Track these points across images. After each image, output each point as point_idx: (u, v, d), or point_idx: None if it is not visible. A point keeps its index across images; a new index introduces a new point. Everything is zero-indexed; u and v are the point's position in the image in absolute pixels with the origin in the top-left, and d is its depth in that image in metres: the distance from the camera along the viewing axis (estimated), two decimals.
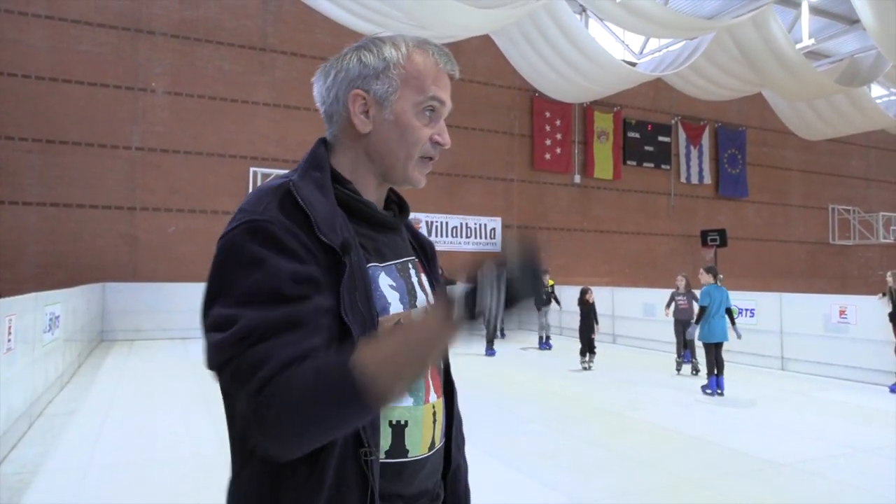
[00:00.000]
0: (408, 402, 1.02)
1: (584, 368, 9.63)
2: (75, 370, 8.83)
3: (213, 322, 0.90)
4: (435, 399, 1.08)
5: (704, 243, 17.82)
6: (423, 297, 1.10)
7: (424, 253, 1.20)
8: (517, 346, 12.67)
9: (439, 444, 1.09)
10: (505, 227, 17.11)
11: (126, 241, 13.15)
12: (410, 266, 1.11)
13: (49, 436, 5.53)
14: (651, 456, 5.12)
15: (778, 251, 22.03)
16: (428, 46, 1.08)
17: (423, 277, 1.14)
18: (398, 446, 1.00)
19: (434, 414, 1.07)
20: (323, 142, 1.14)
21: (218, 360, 0.88)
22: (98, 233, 12.87)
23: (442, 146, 1.09)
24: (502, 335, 13.84)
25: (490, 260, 0.89)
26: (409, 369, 0.88)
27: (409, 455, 1.01)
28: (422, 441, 1.03)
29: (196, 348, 11.23)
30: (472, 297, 0.86)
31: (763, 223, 21.86)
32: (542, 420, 6.33)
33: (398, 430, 1.00)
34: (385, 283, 1.04)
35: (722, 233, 17.37)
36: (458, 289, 0.87)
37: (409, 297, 1.07)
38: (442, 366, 1.14)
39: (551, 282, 12.48)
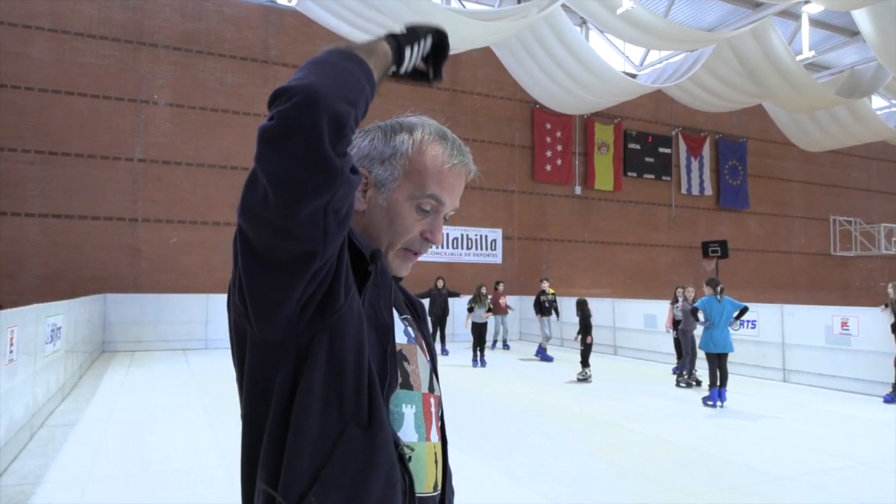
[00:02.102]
0: (414, 436, 1.02)
1: (581, 380, 9.59)
2: (76, 381, 8.83)
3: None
4: (436, 440, 1.09)
5: (706, 255, 17.83)
6: (419, 348, 1.12)
7: (416, 312, 1.21)
8: (517, 357, 12.66)
9: (440, 487, 1.09)
10: (506, 238, 17.14)
11: (127, 253, 13.18)
12: (409, 321, 1.15)
13: (50, 447, 5.52)
14: (651, 469, 5.10)
15: (779, 262, 22.03)
16: (445, 142, 1.07)
17: (418, 333, 1.16)
18: (410, 485, 1.00)
19: (436, 455, 1.07)
20: None
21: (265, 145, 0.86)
22: (100, 244, 12.91)
23: (431, 244, 1.09)
24: (505, 346, 13.86)
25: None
26: (350, 79, 0.87)
27: (416, 491, 1.00)
28: (426, 478, 1.03)
29: (196, 359, 11.23)
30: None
31: (764, 234, 21.87)
32: (543, 432, 6.31)
33: (403, 464, 1.00)
34: (396, 315, 1.08)
35: (723, 244, 17.38)
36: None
37: (413, 332, 1.12)
38: (439, 413, 1.13)
39: (552, 291, 12.46)
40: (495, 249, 16.99)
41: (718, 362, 7.80)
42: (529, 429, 6.40)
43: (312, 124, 0.77)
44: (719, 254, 17.28)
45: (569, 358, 12.06)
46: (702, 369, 8.84)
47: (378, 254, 1.02)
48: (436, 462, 1.06)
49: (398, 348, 1.04)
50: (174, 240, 13.53)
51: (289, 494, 0.87)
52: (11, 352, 5.11)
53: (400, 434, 0.99)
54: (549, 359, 12.05)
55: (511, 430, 6.35)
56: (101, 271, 12.81)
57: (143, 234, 13.33)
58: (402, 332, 1.07)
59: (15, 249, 12.14)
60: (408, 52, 1.01)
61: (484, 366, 10.89)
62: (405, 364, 1.04)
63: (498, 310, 13.12)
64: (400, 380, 1.01)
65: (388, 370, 0.96)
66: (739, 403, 7.90)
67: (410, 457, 0.99)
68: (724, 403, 7.74)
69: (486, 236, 16.86)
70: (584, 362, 9.68)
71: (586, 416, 7.18)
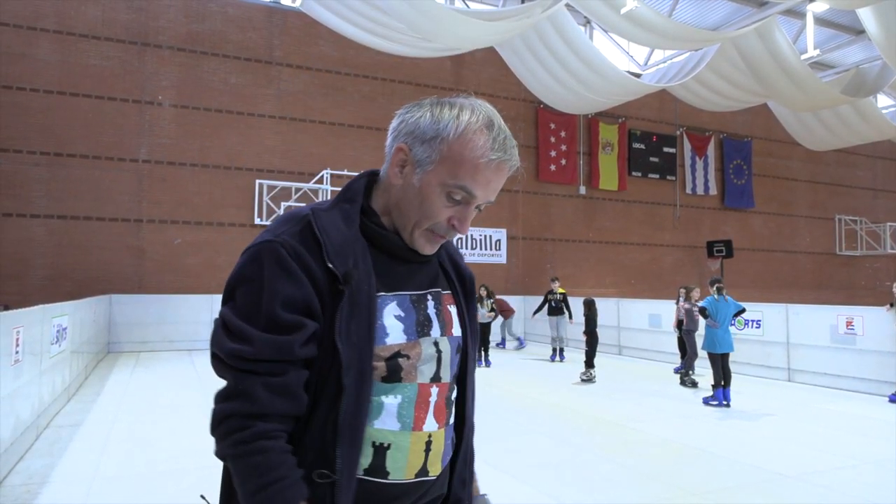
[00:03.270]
0: (394, 426, 1.03)
1: (585, 381, 9.58)
2: (82, 382, 8.87)
3: (224, 321, 1.02)
4: (433, 429, 1.08)
5: (710, 254, 17.79)
6: (439, 328, 1.11)
7: (463, 286, 1.21)
8: (528, 358, 12.66)
9: (434, 473, 1.09)
10: (510, 238, 17.13)
11: (132, 254, 13.22)
12: (430, 297, 1.12)
13: (56, 447, 5.55)
14: (655, 468, 5.10)
15: (784, 262, 21.96)
16: (489, 133, 1.04)
17: (452, 309, 1.16)
18: (378, 467, 1.03)
19: (429, 443, 1.07)
20: (371, 174, 1.17)
21: (217, 364, 1.01)
22: (104, 245, 12.95)
23: (457, 232, 1.09)
24: (521, 344, 13.79)
25: None
26: None
27: (390, 478, 1.04)
28: (407, 466, 1.05)
29: (201, 360, 11.25)
30: None
31: (769, 234, 21.80)
32: (548, 431, 6.31)
33: (380, 451, 1.03)
34: (391, 313, 1.06)
35: (728, 244, 17.34)
36: None
37: (418, 327, 1.09)
38: (452, 397, 1.14)
39: (562, 290, 12.40)
40: (500, 249, 17.00)
41: (721, 361, 7.79)
42: (533, 428, 6.40)
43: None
44: (724, 253, 17.24)
45: (576, 358, 12.06)
46: (700, 368, 8.82)
47: (350, 275, 1.01)
48: (428, 449, 1.07)
49: (393, 350, 1.04)
50: (178, 241, 13.57)
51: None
52: (17, 352, 5.13)
53: (377, 423, 1.02)
54: (561, 359, 12.03)
55: (515, 429, 6.35)
56: (106, 272, 12.86)
57: (148, 235, 13.37)
58: (400, 332, 1.05)
59: (20, 250, 12.19)
60: None
61: (489, 366, 10.89)
62: (399, 360, 1.05)
63: (506, 314, 13.50)
64: (385, 374, 1.04)
65: (343, 386, 1.00)
66: (744, 403, 7.88)
67: (389, 445, 1.03)
68: (730, 403, 7.71)
69: (490, 236, 16.87)
70: (589, 363, 9.68)
71: (590, 415, 7.17)
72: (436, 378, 1.09)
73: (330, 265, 1.00)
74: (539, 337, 15.91)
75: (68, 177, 12.73)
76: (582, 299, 10.41)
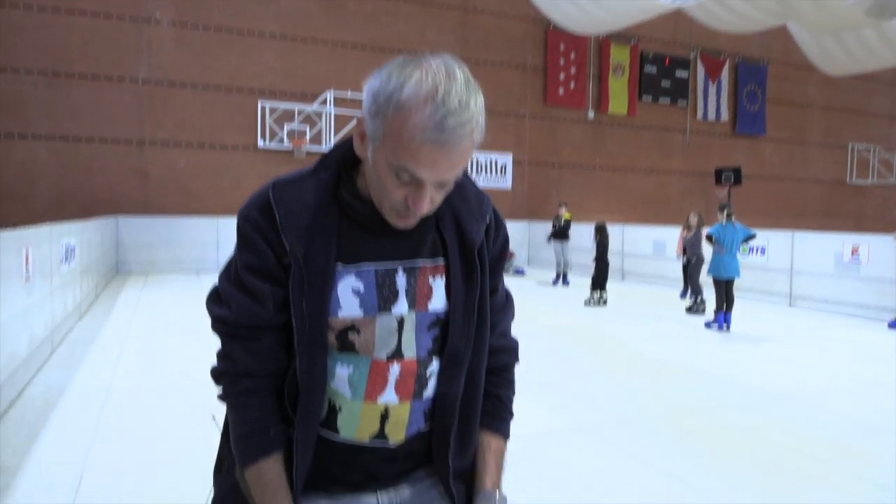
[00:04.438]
0: (345, 392, 1.05)
1: (596, 303, 9.72)
2: (93, 301, 9.03)
3: (215, 286, 1.12)
4: (392, 401, 1.07)
5: (718, 182, 17.60)
6: (407, 303, 1.05)
7: (464, 254, 1.10)
8: (534, 282, 12.79)
9: (396, 440, 1.09)
10: (516, 163, 16.94)
11: (136, 176, 13.18)
12: (402, 271, 1.05)
13: (71, 361, 5.71)
14: (655, 387, 5.23)
15: (793, 190, 21.74)
16: (431, 104, 0.89)
17: (436, 281, 1.08)
18: (330, 423, 1.08)
19: (385, 415, 1.07)
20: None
21: (211, 324, 1.11)
22: (109, 167, 12.89)
23: (417, 212, 0.99)
24: (564, 281, 13.05)
25: None
26: (254, 500, 1.05)
27: (340, 436, 1.07)
28: (357, 430, 1.07)
29: (209, 280, 11.40)
30: None
31: (780, 162, 21.48)
32: (553, 351, 6.44)
33: (332, 410, 1.07)
34: (348, 286, 1.03)
35: (737, 171, 17.11)
36: None
37: (380, 301, 1.04)
38: (427, 372, 1.09)
39: (568, 215, 12.42)
40: (505, 175, 16.85)
41: (725, 287, 7.84)
42: (537, 349, 6.53)
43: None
44: (732, 181, 17.05)
45: (580, 283, 12.19)
46: (706, 295, 8.91)
47: (296, 249, 1.01)
48: (385, 419, 1.07)
49: (346, 324, 1.03)
50: (182, 164, 13.48)
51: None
52: (28, 270, 5.20)
53: (332, 385, 1.06)
54: (567, 283, 12.20)
55: (520, 349, 6.46)
56: (112, 194, 12.86)
57: (151, 157, 13.28)
58: (355, 306, 1.02)
59: (25, 172, 12.15)
60: None
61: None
62: (350, 334, 1.04)
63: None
64: (338, 346, 1.05)
65: (297, 353, 1.04)
66: (745, 327, 7.99)
67: (340, 408, 1.07)
68: (730, 327, 7.83)
69: (495, 161, 16.68)
70: (598, 286, 9.78)
71: (595, 336, 7.30)
72: (396, 354, 1.06)
73: (283, 237, 1.02)
74: (543, 262, 16.02)
75: (68, 98, 12.51)
76: (593, 224, 10.43)
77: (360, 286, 1.03)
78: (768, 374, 5.76)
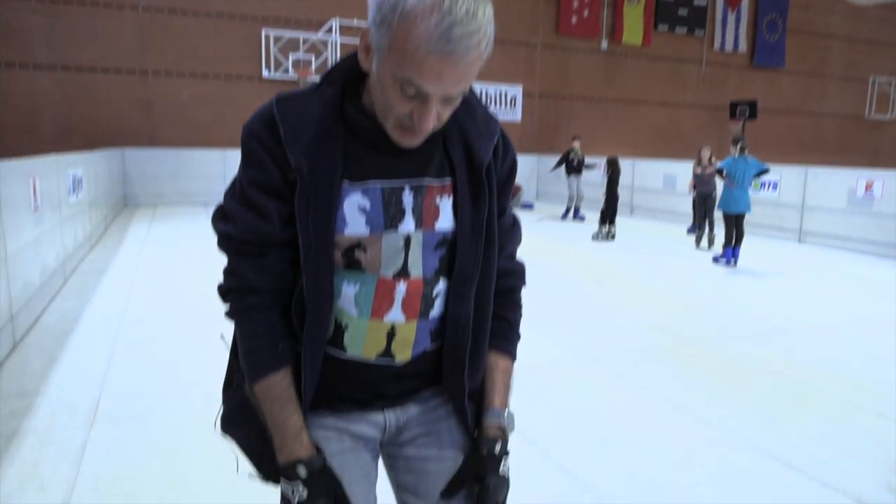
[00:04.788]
0: (351, 310, 1.06)
1: (604, 237, 9.72)
2: (102, 232, 9.10)
3: (221, 202, 1.09)
4: (399, 320, 1.07)
5: (733, 115, 17.22)
6: (413, 222, 1.04)
7: (472, 172, 1.08)
8: (543, 216, 12.75)
9: (402, 358, 1.10)
10: (526, 95, 16.57)
11: (140, 107, 13.00)
12: (409, 189, 1.04)
13: (84, 290, 5.80)
14: (661, 319, 5.27)
15: (809, 125, 21.26)
16: (436, 17, 0.85)
17: (443, 201, 1.06)
18: (337, 341, 1.08)
19: (391, 333, 1.07)
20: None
21: (217, 241, 1.09)
22: (112, 98, 12.71)
23: (423, 128, 0.95)
24: (577, 215, 12.98)
25: None
26: (265, 416, 1.07)
27: (347, 354, 1.08)
28: (364, 347, 1.08)
29: None
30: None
31: (797, 95, 20.92)
32: (560, 284, 6.48)
33: (338, 328, 1.08)
34: (355, 203, 1.01)
35: (752, 104, 16.70)
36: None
37: (386, 220, 1.02)
38: (434, 293, 1.08)
39: (580, 149, 12.29)
40: (515, 107, 16.51)
41: (735, 222, 7.79)
42: (543, 281, 6.56)
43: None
44: (747, 114, 16.67)
45: (592, 218, 12.15)
46: (716, 229, 8.88)
47: (301, 164, 0.99)
48: (391, 337, 1.07)
49: (351, 241, 1.02)
50: (187, 94, 13.26)
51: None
52: (36, 200, 5.21)
53: (339, 303, 1.06)
54: (581, 218, 12.19)
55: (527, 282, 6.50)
56: (116, 125, 12.73)
57: (155, 88, 13.06)
58: (361, 224, 1.01)
59: (28, 103, 12.01)
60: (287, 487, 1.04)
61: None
62: (357, 252, 1.03)
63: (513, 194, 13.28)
64: (344, 264, 1.04)
65: (303, 270, 1.04)
66: (753, 262, 7.99)
67: (347, 325, 1.07)
68: (737, 262, 7.82)
69: (505, 93, 16.32)
70: (607, 220, 9.76)
71: (601, 270, 7.33)
72: (403, 273, 1.05)
73: (287, 152, 0.99)
74: (552, 196, 15.93)
75: (69, 26, 12.20)
76: (605, 158, 10.30)
77: (367, 204, 1.02)
78: (773, 307, 5.79)
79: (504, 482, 1.13)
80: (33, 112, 12.07)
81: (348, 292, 1.05)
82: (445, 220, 1.07)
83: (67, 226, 6.49)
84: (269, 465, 1.10)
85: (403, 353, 1.10)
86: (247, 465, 1.13)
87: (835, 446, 3.03)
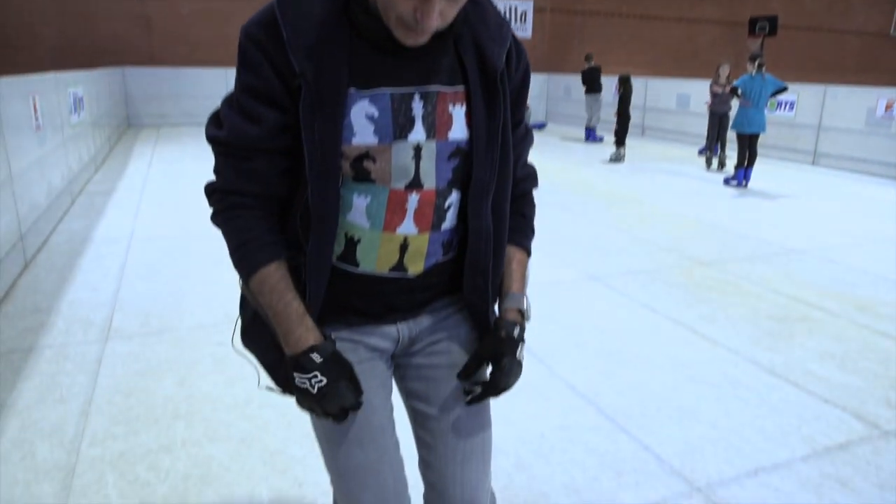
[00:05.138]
0: (363, 223, 1.03)
1: (615, 160, 9.59)
2: (107, 153, 9.03)
3: (221, 103, 1.05)
4: (411, 232, 1.05)
5: (752, 32, 16.49)
6: (424, 131, 1.00)
7: (486, 78, 1.03)
8: (559, 138, 12.54)
9: (415, 271, 1.09)
10: (537, 10, 15.92)
11: (140, 24, 12.60)
12: (419, 97, 0.99)
13: (91, 211, 5.81)
14: (668, 240, 5.25)
15: (831, 42, 20.43)
16: None
17: (456, 109, 1.02)
18: (349, 256, 1.06)
19: (404, 245, 1.06)
20: None
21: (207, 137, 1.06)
22: (110, 14, 12.30)
23: (426, 26, 0.90)
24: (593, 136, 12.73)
25: None
26: (267, 313, 1.05)
27: (360, 268, 1.06)
28: (376, 261, 1.06)
29: None
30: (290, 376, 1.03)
31: (820, 10, 19.99)
32: (567, 205, 6.44)
33: (350, 243, 1.05)
34: (362, 111, 0.96)
35: (773, 20, 15.97)
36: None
37: (395, 129, 0.98)
38: (446, 204, 1.06)
39: (595, 62, 11.94)
40: (525, 22, 15.89)
41: (749, 142, 7.63)
42: (551, 202, 6.52)
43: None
44: (767, 31, 15.99)
45: (609, 140, 11.95)
46: (729, 150, 8.70)
47: (306, 69, 0.92)
48: (404, 249, 1.06)
49: (360, 151, 0.98)
50: (187, 9, 12.81)
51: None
52: (37, 119, 5.13)
53: (349, 216, 1.03)
54: (598, 139, 11.99)
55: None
56: (116, 43, 12.39)
57: (154, 3, 12.61)
58: (369, 133, 0.97)
59: (25, 20, 11.64)
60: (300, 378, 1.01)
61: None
62: (366, 163, 0.99)
63: None
64: (353, 175, 1.00)
65: (308, 181, 1.00)
66: (764, 184, 7.88)
67: (359, 239, 1.04)
68: (749, 184, 7.72)
69: (515, 7, 15.66)
70: (619, 141, 9.60)
71: (609, 191, 7.25)
72: (415, 184, 1.02)
73: (291, 56, 0.93)
74: (563, 117, 15.62)
75: None
76: (617, 76, 10.01)
77: (375, 111, 0.97)
78: (783, 229, 5.74)
79: (518, 366, 1.14)
80: (30, 29, 11.72)
81: (359, 204, 1.02)
82: (459, 130, 1.03)
83: (71, 146, 6.43)
84: (285, 377, 1.09)
85: (416, 266, 1.09)
86: (266, 379, 1.13)
87: (837, 364, 3.07)
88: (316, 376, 0.99)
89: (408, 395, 1.21)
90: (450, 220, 1.08)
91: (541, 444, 2.34)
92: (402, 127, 0.99)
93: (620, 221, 5.86)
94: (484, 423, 1.19)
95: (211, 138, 1.04)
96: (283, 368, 1.06)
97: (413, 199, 1.03)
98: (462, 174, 1.06)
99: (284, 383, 1.09)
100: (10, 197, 4.13)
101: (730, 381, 2.86)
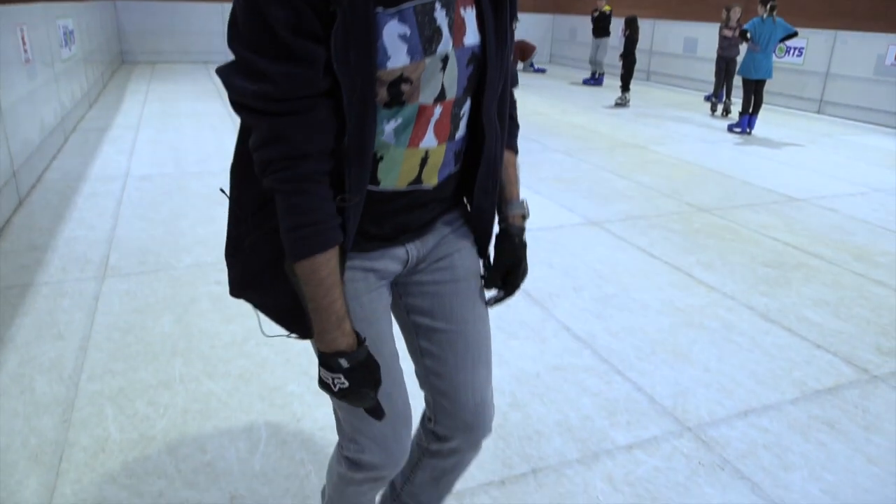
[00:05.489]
0: (390, 140, 1.01)
1: (619, 104, 9.43)
2: (101, 90, 8.84)
3: (239, 62, 0.91)
4: (432, 145, 1.05)
5: None
6: (450, 41, 0.97)
7: None
8: (564, 82, 12.28)
9: (430, 183, 1.10)
10: None
11: None
12: (439, 5, 0.96)
13: (86, 148, 5.73)
14: (669, 186, 5.21)
15: None
16: None
17: (467, 13, 1.00)
18: (371, 174, 1.03)
19: (424, 159, 1.05)
20: None
21: (243, 111, 0.93)
22: None
23: None
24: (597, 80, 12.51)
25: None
26: (305, 299, 0.99)
27: (380, 186, 1.05)
28: (399, 178, 1.05)
29: None
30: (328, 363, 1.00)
31: None
32: (568, 150, 6.36)
33: (374, 161, 1.02)
34: (393, 32, 0.92)
35: None
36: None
37: (424, 44, 0.94)
38: (461, 112, 1.06)
39: (608, 7, 11.57)
40: None
41: (755, 88, 7.48)
42: (553, 146, 6.44)
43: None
44: None
45: (612, 84, 11.73)
46: (735, 97, 8.56)
47: None
48: (423, 163, 1.06)
49: (395, 74, 0.93)
50: None
51: None
52: (26, 52, 4.99)
53: (377, 139, 1.00)
54: (600, 82, 11.80)
55: (533, 147, 6.39)
56: None
57: None
58: (402, 53, 0.93)
59: None
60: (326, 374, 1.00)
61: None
62: (402, 85, 0.95)
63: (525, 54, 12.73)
64: (388, 100, 0.95)
65: (346, 114, 0.93)
66: (769, 132, 7.77)
67: (382, 157, 1.01)
68: (753, 131, 7.61)
69: None
70: (624, 86, 9.41)
71: (612, 137, 7.15)
72: (440, 97, 1.00)
73: None
74: (568, 60, 15.28)
75: None
76: (623, 18, 9.74)
77: (406, 30, 0.93)
78: (785, 177, 5.69)
79: (527, 267, 1.26)
80: None
81: (388, 127, 0.99)
82: (472, 34, 1.02)
83: (63, 82, 6.28)
84: (302, 327, 1.06)
85: (432, 178, 1.09)
86: (271, 326, 1.12)
87: (830, 311, 3.09)
88: (339, 378, 0.99)
89: (409, 311, 1.23)
90: (462, 129, 1.09)
91: (536, 383, 2.37)
92: (428, 40, 0.96)
93: (622, 167, 5.80)
94: (487, 332, 1.24)
95: (257, 95, 0.89)
96: (302, 322, 1.05)
97: (437, 111, 1.02)
98: (475, 80, 1.06)
99: (302, 332, 1.08)
100: (2, 132, 4.06)
101: (724, 326, 2.88)
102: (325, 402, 2.18)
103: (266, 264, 1.06)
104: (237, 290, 1.13)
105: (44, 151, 5.10)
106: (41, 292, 2.97)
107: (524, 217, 1.25)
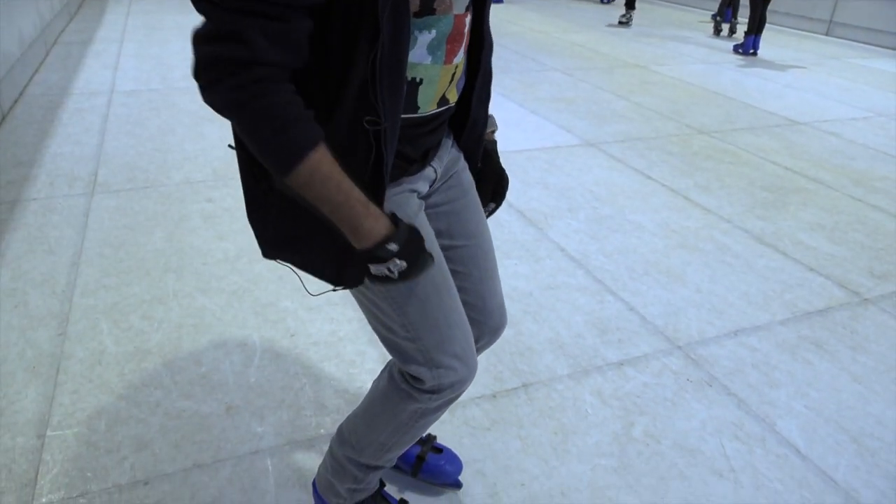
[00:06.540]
0: (427, 59, 0.94)
1: (622, 23, 9.10)
2: (81, 1, 8.45)
3: None
4: (461, 59, 1.02)
5: None
6: None
7: None
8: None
9: (453, 100, 1.07)
10: None
11: None
12: None
13: (69, 62, 5.52)
14: (669, 107, 5.10)
15: None
16: None
17: None
18: (410, 104, 0.97)
19: (454, 74, 1.02)
20: None
21: (200, 2, 0.80)
22: None
23: None
24: None
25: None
26: (320, 207, 0.89)
27: (419, 112, 1.00)
28: (434, 98, 1.00)
29: None
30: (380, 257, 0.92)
31: None
32: (566, 69, 6.18)
33: (412, 87, 0.95)
34: None
35: None
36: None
37: None
38: (468, 24, 1.03)
39: None
40: None
41: (762, 6, 7.21)
42: (551, 65, 6.25)
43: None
44: None
45: (620, 2, 11.30)
46: (740, 17, 8.26)
47: None
48: (452, 80, 1.03)
49: None
50: None
51: None
52: None
53: (411, 58, 0.92)
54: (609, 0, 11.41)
55: (531, 66, 6.20)
56: None
57: None
58: None
59: None
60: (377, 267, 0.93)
61: (501, 2, 10.22)
62: None
63: None
64: (418, 9, 0.88)
65: (379, 27, 0.82)
66: (773, 54, 7.55)
67: (422, 80, 0.96)
68: (758, 52, 7.39)
69: None
70: (630, 4, 9.06)
71: (612, 56, 6.94)
72: (468, 5, 0.97)
73: None
74: None
75: None
76: None
77: None
78: (788, 100, 5.57)
79: (508, 177, 1.33)
80: None
81: (423, 41, 0.92)
82: None
83: None
84: (350, 272, 1.01)
85: (454, 95, 1.07)
86: (313, 283, 1.09)
87: (826, 235, 3.09)
88: (395, 262, 0.92)
89: None
90: (467, 40, 1.06)
91: (529, 302, 2.38)
92: None
93: (621, 87, 5.65)
94: (490, 234, 1.27)
95: None
96: (335, 269, 1.00)
97: (467, 21, 1.00)
98: None
99: (343, 280, 1.03)
100: None
101: (719, 248, 2.88)
102: (318, 318, 2.20)
103: (301, 219, 0.98)
104: (272, 251, 1.06)
105: (24, 65, 4.91)
106: (30, 208, 2.92)
107: (493, 132, 1.30)
